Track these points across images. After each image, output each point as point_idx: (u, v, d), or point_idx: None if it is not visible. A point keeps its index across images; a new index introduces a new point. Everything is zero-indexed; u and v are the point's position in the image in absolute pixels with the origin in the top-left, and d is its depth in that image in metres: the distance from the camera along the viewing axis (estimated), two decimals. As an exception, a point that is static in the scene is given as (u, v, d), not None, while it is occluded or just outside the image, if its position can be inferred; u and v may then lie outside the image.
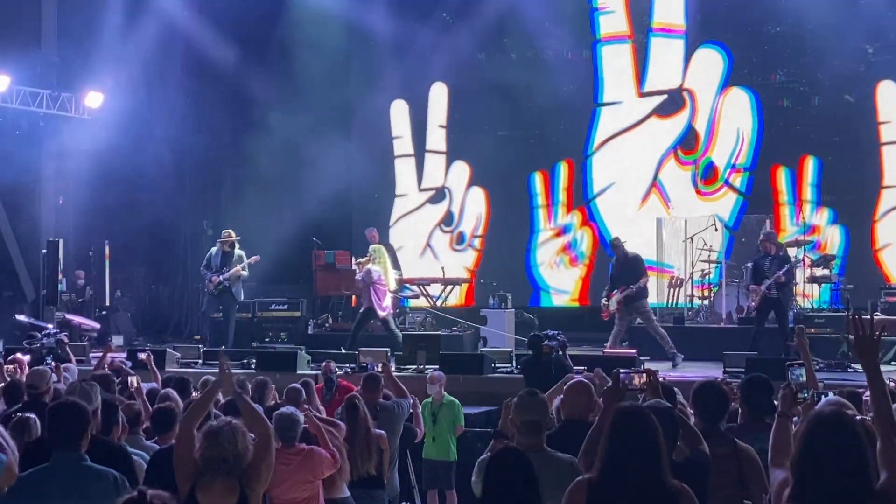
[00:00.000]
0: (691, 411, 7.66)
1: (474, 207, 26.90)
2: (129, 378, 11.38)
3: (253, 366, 18.46)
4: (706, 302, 21.84)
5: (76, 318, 24.53)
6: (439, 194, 27.39)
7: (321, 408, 12.08)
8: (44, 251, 25.05)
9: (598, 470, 5.51)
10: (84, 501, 6.26)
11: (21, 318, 23.74)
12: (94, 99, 26.19)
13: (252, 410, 6.80)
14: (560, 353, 14.40)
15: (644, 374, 7.53)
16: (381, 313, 20.25)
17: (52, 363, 14.00)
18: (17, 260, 26.34)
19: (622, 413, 5.67)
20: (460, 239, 27.06)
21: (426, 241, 27.28)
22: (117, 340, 23.58)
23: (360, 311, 20.63)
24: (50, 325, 21.97)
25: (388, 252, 21.01)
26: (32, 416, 8.45)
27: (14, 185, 25.61)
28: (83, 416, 6.51)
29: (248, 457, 6.41)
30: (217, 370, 7.52)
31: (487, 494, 5.88)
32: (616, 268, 19.22)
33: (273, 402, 11.28)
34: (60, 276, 24.76)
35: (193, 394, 10.70)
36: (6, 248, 25.98)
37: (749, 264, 19.99)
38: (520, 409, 7.06)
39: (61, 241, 24.77)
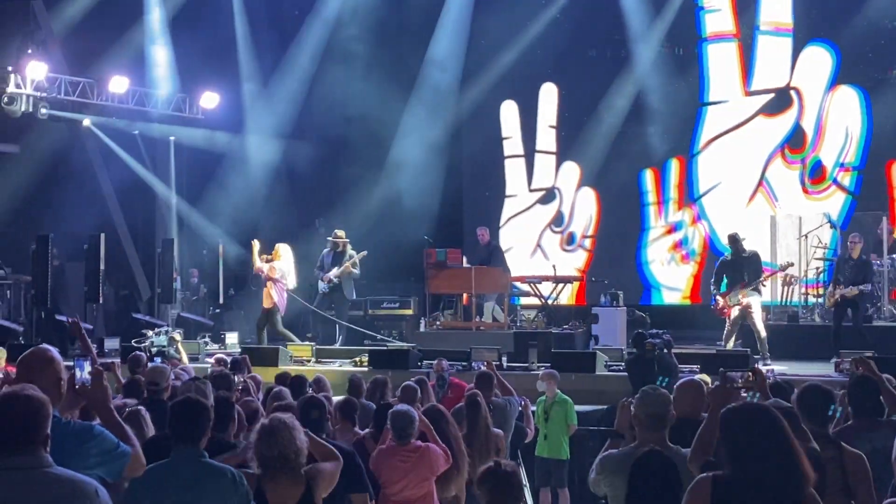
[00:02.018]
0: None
1: (585, 208, 26.81)
2: (237, 377, 11.53)
3: (365, 364, 18.56)
4: (820, 300, 21.55)
5: (190, 316, 24.86)
6: (549, 195, 27.34)
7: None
8: (159, 250, 25.41)
9: (728, 469, 5.43)
10: (202, 497, 6.33)
11: (137, 316, 24.09)
12: (209, 99, 26.51)
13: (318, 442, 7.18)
14: (664, 351, 14.34)
15: (750, 374, 7.46)
16: (283, 312, 21.06)
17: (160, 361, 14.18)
18: (133, 259, 26.77)
19: (741, 410, 5.60)
20: (570, 239, 26.99)
21: (536, 241, 27.25)
22: (231, 338, 23.84)
23: (264, 307, 21.23)
24: (165, 323, 22.29)
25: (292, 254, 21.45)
26: (142, 408, 8.62)
27: (130, 184, 26.03)
28: (204, 413, 6.61)
29: (306, 452, 6.69)
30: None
31: (631, 497, 5.87)
32: (728, 264, 19.00)
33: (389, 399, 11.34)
34: (175, 275, 25.09)
35: (308, 391, 10.78)
36: (122, 247, 26.40)
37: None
38: (643, 402, 7.00)
39: (176, 240, 25.10)
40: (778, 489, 5.26)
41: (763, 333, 18.31)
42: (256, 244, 21.37)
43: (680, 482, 5.75)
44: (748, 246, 19.10)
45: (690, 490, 5.53)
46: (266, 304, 21.18)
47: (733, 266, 18.82)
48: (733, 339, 18.78)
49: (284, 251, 21.23)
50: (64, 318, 22.39)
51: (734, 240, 19.05)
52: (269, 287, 21.03)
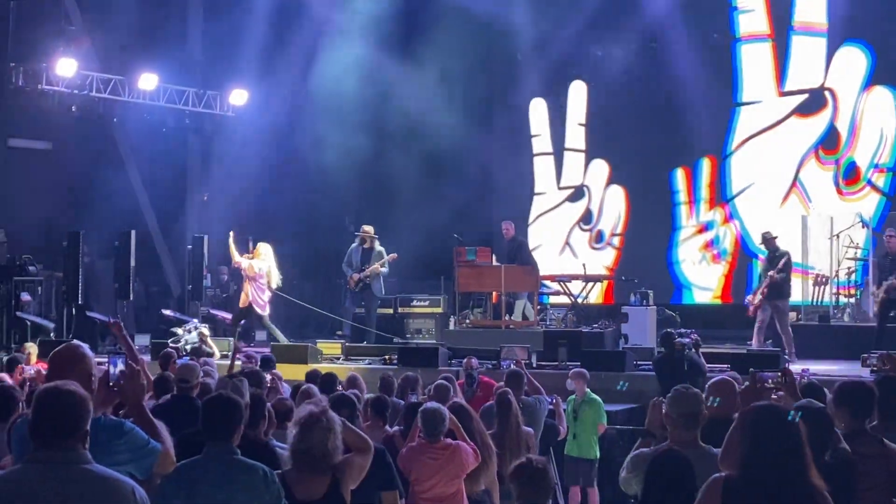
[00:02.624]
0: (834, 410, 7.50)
1: (613, 205, 26.77)
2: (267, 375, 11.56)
3: (395, 362, 18.56)
4: (852, 300, 21.46)
5: (220, 313, 24.90)
6: (578, 192, 27.32)
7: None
8: (189, 247, 25.48)
9: (737, 469, 5.43)
10: (234, 494, 6.33)
11: (167, 312, 24.17)
12: (238, 97, 26.58)
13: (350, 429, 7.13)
14: (692, 350, 14.32)
15: (780, 375, 7.42)
16: (259, 311, 20.99)
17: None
18: (163, 256, 26.88)
19: (759, 412, 5.58)
20: (599, 237, 26.97)
21: (565, 239, 27.23)
22: (260, 335, 23.89)
23: (240, 306, 21.36)
24: (195, 320, 22.35)
25: (274, 254, 21.42)
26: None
27: (160, 181, 26.12)
28: (237, 410, 6.61)
29: (338, 455, 6.72)
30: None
31: (647, 496, 5.88)
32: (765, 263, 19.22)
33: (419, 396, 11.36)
34: (205, 272, 25.15)
35: (338, 389, 10.79)
36: (153, 244, 26.51)
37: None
38: (675, 402, 6.99)
39: (206, 238, 25.17)
40: (781, 495, 5.25)
41: (789, 331, 18.44)
42: (231, 235, 21.45)
43: (694, 482, 5.75)
44: (781, 245, 19.24)
45: (703, 489, 5.54)
46: (242, 303, 21.28)
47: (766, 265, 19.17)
48: (761, 338, 18.83)
49: (265, 250, 21.23)
50: (97, 316, 22.53)
51: (767, 239, 19.18)
52: (247, 285, 21.09)
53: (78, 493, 4.67)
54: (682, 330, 15.25)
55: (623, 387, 15.51)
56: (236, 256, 21.27)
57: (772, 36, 24.95)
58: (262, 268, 20.95)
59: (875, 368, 10.79)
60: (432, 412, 9.11)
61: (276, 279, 21.21)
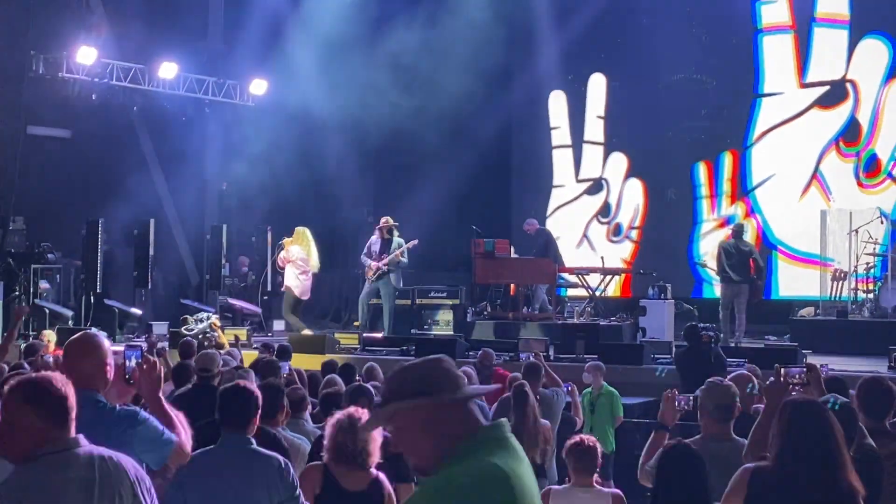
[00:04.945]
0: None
1: (632, 198, 26.75)
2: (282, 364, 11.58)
3: (413, 352, 18.57)
4: (870, 296, 21.38)
5: (238, 303, 24.94)
6: (596, 185, 27.29)
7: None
8: (208, 236, 25.52)
9: (772, 461, 5.40)
10: (249, 484, 6.35)
11: (185, 301, 24.21)
12: (258, 86, 26.61)
13: None
14: (717, 344, 14.32)
15: (806, 370, 7.38)
16: (301, 297, 21.11)
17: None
18: (182, 245, 26.93)
19: (798, 406, 5.55)
20: (617, 230, 26.94)
21: (583, 232, 27.23)
22: (278, 326, 23.91)
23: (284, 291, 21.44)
24: (212, 309, 22.40)
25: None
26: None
27: (180, 170, 26.14)
28: (252, 400, 6.62)
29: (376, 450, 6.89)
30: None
31: (658, 490, 5.88)
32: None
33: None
34: (224, 261, 25.19)
35: (358, 380, 10.80)
36: (172, 233, 26.55)
37: None
38: (710, 393, 7.02)
39: (225, 227, 25.20)
40: (814, 491, 5.21)
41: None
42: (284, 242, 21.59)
43: (706, 476, 5.75)
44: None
45: (733, 479, 5.54)
46: (301, 291, 21.32)
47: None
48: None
49: (302, 234, 21.30)
50: (116, 305, 22.63)
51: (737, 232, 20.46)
52: (287, 270, 21.13)
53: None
54: (703, 324, 15.24)
55: (662, 373, 15.65)
56: (282, 254, 21.29)
57: (794, 27, 24.86)
58: (299, 252, 21.00)
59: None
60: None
61: (315, 263, 21.24)
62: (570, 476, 7.89)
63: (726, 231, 23.26)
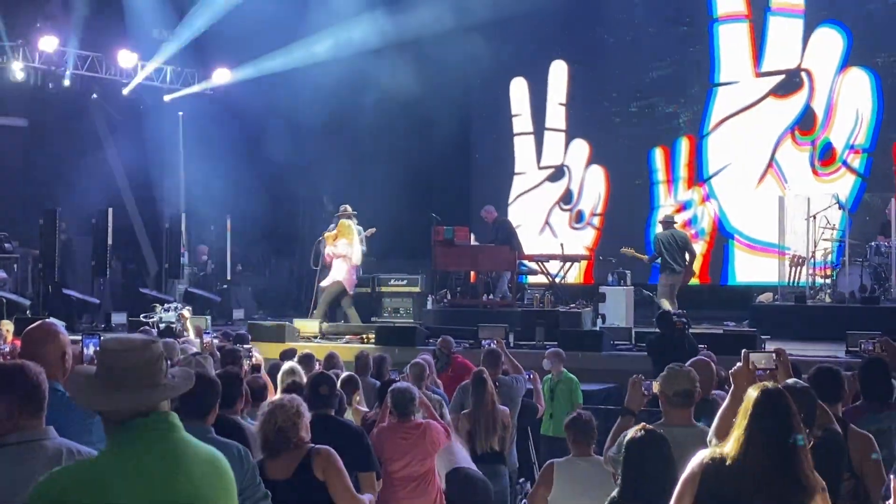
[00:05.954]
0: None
1: (593, 186, 26.81)
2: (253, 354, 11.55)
3: (372, 341, 18.55)
4: (828, 281, 21.48)
5: (197, 292, 24.87)
6: (558, 172, 27.34)
7: (438, 382, 12.14)
8: (167, 225, 25.42)
9: (732, 450, 5.34)
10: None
11: (144, 291, 24.11)
12: (220, 75, 26.50)
13: None
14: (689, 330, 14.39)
15: (774, 355, 7.39)
16: (349, 290, 20.90)
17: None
18: (140, 234, 26.80)
19: (765, 394, 5.49)
20: (579, 217, 26.99)
21: (545, 219, 27.27)
22: (237, 314, 23.86)
23: (325, 285, 20.99)
24: (173, 299, 22.30)
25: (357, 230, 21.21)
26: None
27: (138, 159, 26.02)
28: (212, 388, 6.60)
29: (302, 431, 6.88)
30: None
31: (626, 475, 5.89)
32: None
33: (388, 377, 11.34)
34: (183, 250, 25.11)
35: (316, 367, 10.78)
36: (130, 221, 26.42)
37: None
38: (670, 380, 7.01)
39: (183, 216, 25.11)
40: (772, 484, 5.16)
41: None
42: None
43: (673, 461, 5.74)
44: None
45: (688, 468, 5.45)
46: (348, 280, 21.08)
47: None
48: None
49: (348, 228, 20.99)
50: (71, 293, 22.49)
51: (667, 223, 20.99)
52: (336, 264, 20.93)
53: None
54: (674, 312, 15.32)
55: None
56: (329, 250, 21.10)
57: (749, 16, 24.97)
58: (343, 245, 20.80)
59: (867, 351, 10.71)
60: (402, 391, 9.11)
61: (357, 256, 21.10)
62: (571, 447, 8.15)
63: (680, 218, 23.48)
